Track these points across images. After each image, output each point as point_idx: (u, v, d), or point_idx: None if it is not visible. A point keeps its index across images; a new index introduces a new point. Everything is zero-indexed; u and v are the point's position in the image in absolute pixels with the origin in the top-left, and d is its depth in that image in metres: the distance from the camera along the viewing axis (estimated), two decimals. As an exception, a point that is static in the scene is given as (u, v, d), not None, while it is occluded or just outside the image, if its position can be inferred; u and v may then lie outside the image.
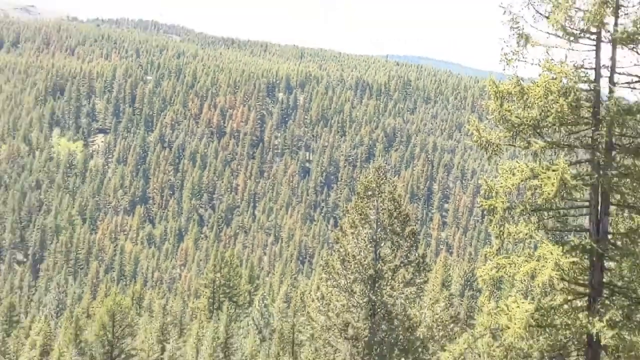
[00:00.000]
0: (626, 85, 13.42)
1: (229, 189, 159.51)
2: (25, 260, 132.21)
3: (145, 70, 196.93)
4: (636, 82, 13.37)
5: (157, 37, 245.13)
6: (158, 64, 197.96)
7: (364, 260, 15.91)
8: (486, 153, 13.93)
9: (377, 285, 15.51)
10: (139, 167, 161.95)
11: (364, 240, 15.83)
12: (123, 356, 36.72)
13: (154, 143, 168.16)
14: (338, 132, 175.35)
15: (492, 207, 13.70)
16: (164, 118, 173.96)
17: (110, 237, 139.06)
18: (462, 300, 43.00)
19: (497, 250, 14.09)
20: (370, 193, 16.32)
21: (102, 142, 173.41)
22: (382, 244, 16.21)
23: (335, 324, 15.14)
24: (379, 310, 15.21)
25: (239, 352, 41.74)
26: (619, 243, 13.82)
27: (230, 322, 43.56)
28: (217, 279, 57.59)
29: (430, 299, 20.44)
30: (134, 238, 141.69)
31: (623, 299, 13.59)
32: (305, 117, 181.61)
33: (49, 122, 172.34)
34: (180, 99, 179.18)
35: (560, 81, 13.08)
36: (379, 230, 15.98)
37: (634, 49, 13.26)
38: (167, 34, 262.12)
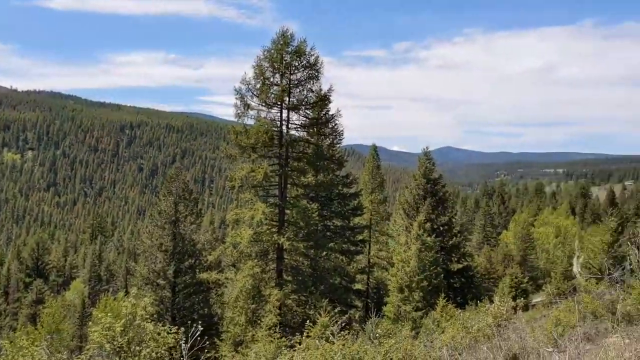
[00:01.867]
0: (293, 129, 28.22)
1: (100, 178, 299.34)
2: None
3: (54, 117, 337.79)
4: (297, 127, 28.25)
5: (60, 101, 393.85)
6: (63, 114, 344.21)
7: (170, 212, 28.93)
8: (230, 159, 27.93)
9: (177, 224, 28.88)
10: (52, 167, 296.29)
11: (170, 202, 28.93)
12: (42, 264, 68.74)
13: (60, 155, 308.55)
14: (155, 148, 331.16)
15: (233, 185, 27.80)
16: (65, 142, 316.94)
17: (38, 203, 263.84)
18: (220, 231, 71.18)
19: (236, 205, 28.40)
20: (173, 179, 29.38)
21: (32, 154, 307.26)
22: (180, 204, 29.54)
23: (155, 244, 28.29)
24: (177, 236, 28.65)
25: (106, 260, 76.24)
26: (291, 201, 28.81)
27: (101, 244, 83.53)
28: (95, 223, 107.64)
29: (205, 231, 34.54)
30: (50, 203, 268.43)
31: (294, 227, 28.66)
32: (140, 141, 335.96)
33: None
34: (74, 132, 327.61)
35: (264, 126, 27.35)
36: (177, 197, 29.20)
37: (297, 113, 28.05)
38: (65, 100, 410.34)
